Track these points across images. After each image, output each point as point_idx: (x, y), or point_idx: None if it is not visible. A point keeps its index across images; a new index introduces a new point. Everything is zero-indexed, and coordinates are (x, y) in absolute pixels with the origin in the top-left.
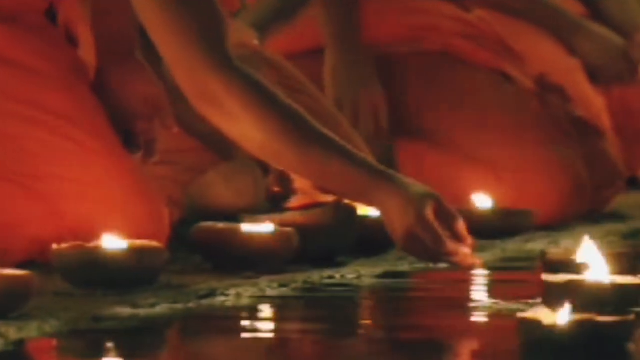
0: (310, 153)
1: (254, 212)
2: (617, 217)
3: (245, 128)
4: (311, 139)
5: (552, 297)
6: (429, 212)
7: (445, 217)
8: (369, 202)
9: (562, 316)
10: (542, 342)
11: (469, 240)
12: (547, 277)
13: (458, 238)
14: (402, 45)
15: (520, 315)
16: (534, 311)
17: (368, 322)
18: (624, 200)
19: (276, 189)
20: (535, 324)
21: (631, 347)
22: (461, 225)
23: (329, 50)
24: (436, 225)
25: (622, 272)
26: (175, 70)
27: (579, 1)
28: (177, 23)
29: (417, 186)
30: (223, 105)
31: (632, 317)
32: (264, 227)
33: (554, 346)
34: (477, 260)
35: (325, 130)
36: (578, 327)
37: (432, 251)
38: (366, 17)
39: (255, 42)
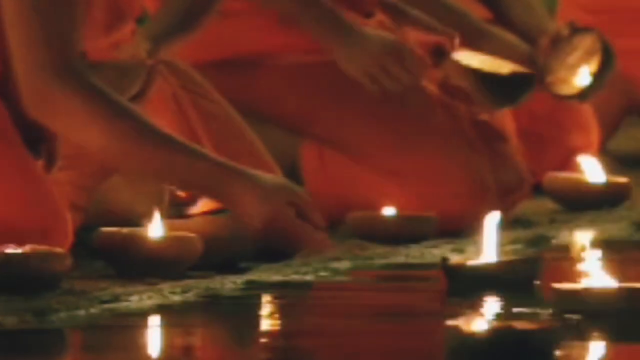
0: (155, 153)
1: (157, 217)
2: (521, 223)
3: (86, 132)
4: (155, 140)
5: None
6: (286, 202)
7: (301, 206)
8: (219, 197)
9: (483, 323)
10: (463, 349)
11: (322, 225)
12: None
13: (313, 224)
14: (306, 55)
15: (449, 322)
16: (463, 319)
17: (270, 328)
18: (528, 206)
19: (180, 194)
20: (457, 330)
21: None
22: (315, 213)
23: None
24: (293, 213)
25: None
26: (17, 69)
27: (484, 5)
28: (30, 27)
29: (270, 178)
30: (60, 109)
31: (553, 324)
32: (167, 233)
33: (474, 352)
34: (330, 243)
35: (170, 132)
36: (498, 334)
37: (293, 238)
38: (268, 28)
39: (146, 53)
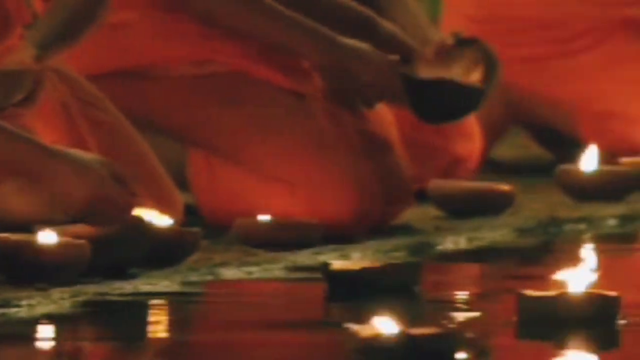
0: None
1: (48, 223)
2: (406, 229)
3: None
4: None
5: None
6: (104, 174)
7: (118, 176)
8: (38, 178)
9: (386, 329)
10: (366, 353)
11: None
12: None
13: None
14: (195, 66)
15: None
16: (368, 325)
17: (157, 334)
18: (413, 213)
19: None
20: (358, 336)
21: None
22: (131, 181)
23: None
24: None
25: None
26: None
27: None
28: None
29: (85, 154)
30: None
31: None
32: (57, 239)
33: (377, 357)
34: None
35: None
36: (399, 340)
37: (117, 212)
38: (158, 39)
39: (32, 60)
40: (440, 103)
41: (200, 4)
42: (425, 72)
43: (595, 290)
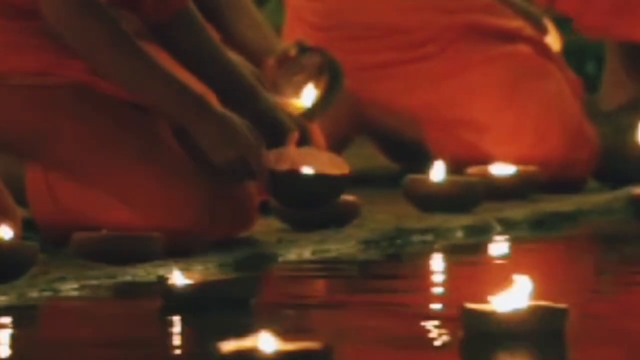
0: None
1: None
2: (248, 242)
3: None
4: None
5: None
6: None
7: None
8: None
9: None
10: None
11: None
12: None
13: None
14: (37, 76)
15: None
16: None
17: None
18: (255, 226)
19: None
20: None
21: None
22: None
23: None
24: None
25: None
26: None
27: (211, 25)
28: None
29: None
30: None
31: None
32: None
33: None
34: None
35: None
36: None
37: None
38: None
39: None
40: (300, 193)
41: (78, 35)
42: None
43: (542, 303)
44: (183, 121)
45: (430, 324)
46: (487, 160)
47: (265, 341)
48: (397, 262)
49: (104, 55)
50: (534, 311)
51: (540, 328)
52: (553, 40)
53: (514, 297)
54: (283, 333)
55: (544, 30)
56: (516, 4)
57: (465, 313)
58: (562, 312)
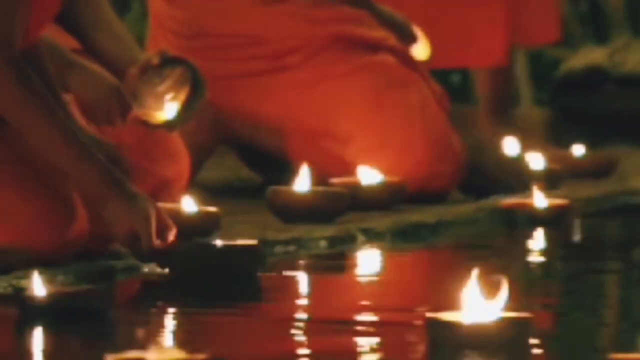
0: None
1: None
2: (111, 254)
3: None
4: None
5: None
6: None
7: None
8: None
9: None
10: None
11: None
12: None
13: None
14: None
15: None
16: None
17: None
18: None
19: None
20: None
21: None
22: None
23: None
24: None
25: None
26: None
27: (73, 36)
28: None
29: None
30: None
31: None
32: None
33: None
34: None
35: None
36: None
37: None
38: None
39: None
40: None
41: None
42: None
43: (508, 315)
44: (87, 190)
45: (297, 335)
46: (351, 171)
47: (152, 352)
48: (260, 273)
49: (16, 116)
50: (501, 323)
51: (506, 339)
52: (422, 48)
53: (480, 308)
54: (147, 343)
55: (412, 39)
56: (383, 12)
57: (431, 323)
58: (527, 322)
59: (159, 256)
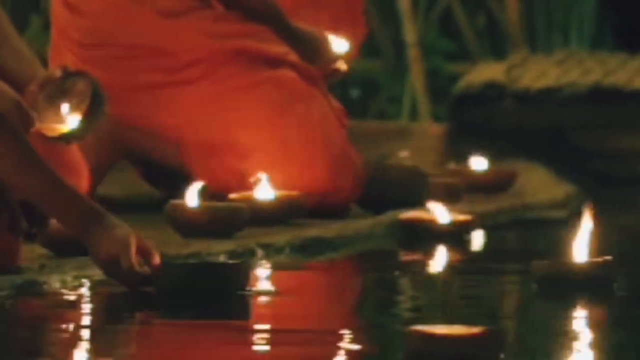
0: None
1: None
2: (11, 269)
3: None
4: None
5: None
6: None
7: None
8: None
9: None
10: None
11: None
12: None
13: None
14: None
15: None
16: None
17: None
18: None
19: None
20: None
21: None
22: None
23: None
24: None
25: None
26: None
27: None
28: None
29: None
30: None
31: None
32: None
33: None
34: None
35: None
36: None
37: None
38: None
39: None
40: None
41: None
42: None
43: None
44: (66, 223)
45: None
46: (251, 185)
47: None
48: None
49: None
50: (474, 335)
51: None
52: (343, 45)
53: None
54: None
55: (317, 57)
56: (296, 29)
57: (410, 336)
58: (500, 335)
59: (143, 279)
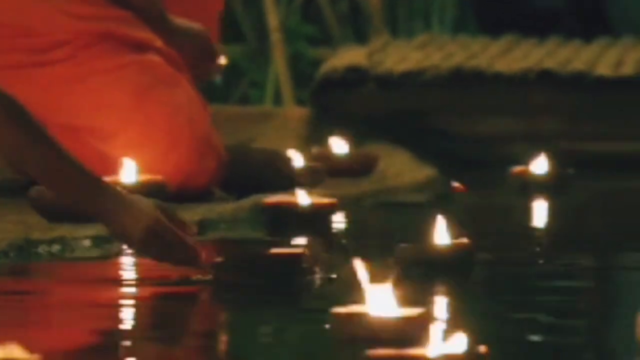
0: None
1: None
2: None
3: None
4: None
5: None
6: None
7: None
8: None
9: None
10: None
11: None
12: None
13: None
14: None
15: None
16: None
17: None
18: None
19: None
20: None
21: None
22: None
23: None
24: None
25: None
26: None
27: None
28: None
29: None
30: None
31: None
32: None
33: None
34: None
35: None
36: None
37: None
38: None
39: None
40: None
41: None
42: None
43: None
44: (91, 212)
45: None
46: (114, 168)
47: None
48: (25, 274)
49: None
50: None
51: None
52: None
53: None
54: None
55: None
56: (179, 24)
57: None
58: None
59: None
